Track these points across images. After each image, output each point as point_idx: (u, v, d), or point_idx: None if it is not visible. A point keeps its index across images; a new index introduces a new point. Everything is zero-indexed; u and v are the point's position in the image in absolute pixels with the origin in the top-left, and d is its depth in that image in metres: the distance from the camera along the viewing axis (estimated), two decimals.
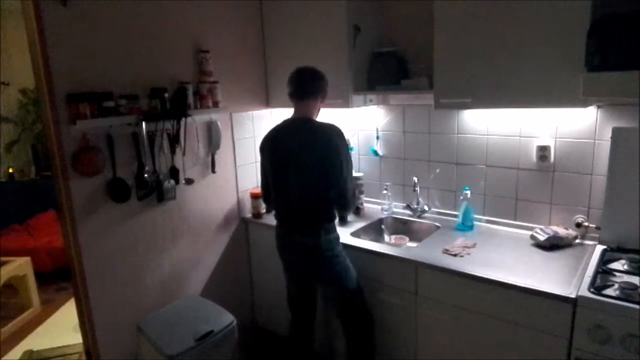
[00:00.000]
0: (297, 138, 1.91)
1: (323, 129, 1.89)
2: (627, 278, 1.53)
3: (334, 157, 1.83)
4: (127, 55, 2.00)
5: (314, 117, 1.96)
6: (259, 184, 2.41)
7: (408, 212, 2.45)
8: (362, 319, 2.03)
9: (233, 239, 2.64)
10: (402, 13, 2.32)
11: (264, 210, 2.59)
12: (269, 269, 2.45)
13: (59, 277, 3.77)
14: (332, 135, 1.85)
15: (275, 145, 1.97)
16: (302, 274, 2.08)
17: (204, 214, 2.44)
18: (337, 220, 1.99)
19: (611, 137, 1.78)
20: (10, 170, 4.60)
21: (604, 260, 1.71)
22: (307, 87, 1.93)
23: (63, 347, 2.85)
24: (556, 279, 1.61)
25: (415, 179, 2.35)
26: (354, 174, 2.60)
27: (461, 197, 2.21)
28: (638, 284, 1.47)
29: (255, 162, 2.71)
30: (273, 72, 2.63)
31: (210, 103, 2.32)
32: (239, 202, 2.65)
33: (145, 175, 2.08)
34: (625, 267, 1.65)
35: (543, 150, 1.99)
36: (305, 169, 1.87)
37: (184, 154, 2.24)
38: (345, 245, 2.11)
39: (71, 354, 2.76)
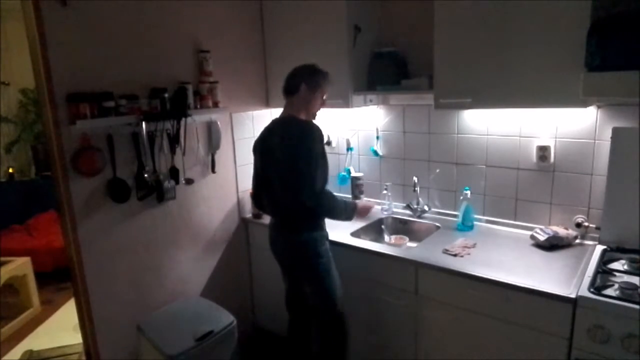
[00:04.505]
0: (277, 137, 1.93)
1: (297, 127, 1.87)
2: (627, 278, 1.53)
3: (305, 156, 1.80)
4: (127, 55, 2.00)
5: (299, 115, 1.93)
6: None
7: (408, 212, 2.45)
8: (334, 328, 2.00)
9: (233, 239, 2.64)
10: (402, 13, 2.33)
11: None
12: (269, 269, 2.45)
13: (59, 277, 3.77)
14: (305, 134, 1.84)
15: (261, 145, 2.01)
16: (289, 271, 2.10)
17: (204, 214, 2.44)
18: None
19: (611, 137, 1.78)
20: (10, 170, 4.60)
21: (604, 260, 1.71)
22: (288, 84, 1.94)
23: (63, 347, 2.84)
24: (556, 279, 1.61)
25: (415, 179, 2.35)
26: (355, 174, 2.63)
27: (461, 197, 2.21)
28: (638, 284, 1.47)
29: None
30: (273, 72, 2.63)
31: (210, 103, 2.32)
32: (239, 202, 2.65)
33: (145, 175, 2.09)
34: (625, 267, 1.65)
35: (543, 150, 1.99)
36: (283, 168, 1.88)
37: (184, 154, 2.24)
38: (345, 246, 2.11)
39: (71, 354, 2.75)
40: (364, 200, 2.38)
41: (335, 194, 2.75)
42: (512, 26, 1.71)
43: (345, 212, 1.99)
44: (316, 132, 1.86)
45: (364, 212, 2.14)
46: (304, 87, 1.90)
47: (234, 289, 2.67)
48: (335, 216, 1.97)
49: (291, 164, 1.82)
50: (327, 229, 2.03)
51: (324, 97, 1.98)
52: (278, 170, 1.90)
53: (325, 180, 1.90)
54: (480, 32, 1.79)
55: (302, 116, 1.93)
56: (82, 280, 1.94)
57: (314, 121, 1.93)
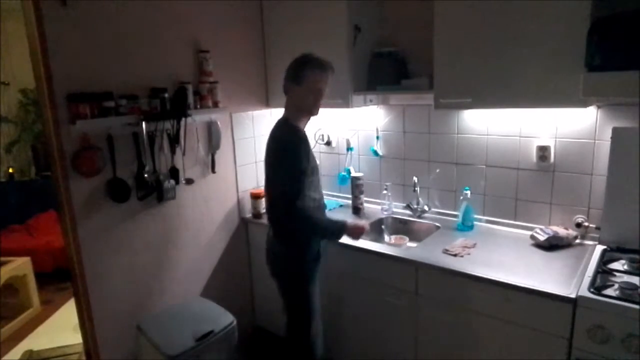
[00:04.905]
0: (268, 144, 1.90)
1: (279, 138, 1.81)
2: (627, 278, 1.53)
3: (279, 170, 1.76)
4: (127, 55, 2.00)
5: (292, 115, 1.84)
6: (261, 185, 2.38)
7: (408, 212, 2.45)
8: (299, 352, 1.95)
9: (233, 239, 2.64)
10: (402, 13, 2.32)
11: (264, 210, 2.59)
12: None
13: (59, 277, 3.77)
14: (282, 146, 1.78)
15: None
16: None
17: (203, 214, 2.44)
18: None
19: (611, 137, 1.78)
20: (10, 170, 4.60)
21: (604, 260, 1.71)
22: (282, 83, 1.87)
23: (63, 347, 2.85)
24: (556, 279, 1.61)
25: (415, 179, 2.35)
26: (355, 174, 2.62)
27: (461, 197, 2.21)
28: (638, 284, 1.47)
29: (255, 162, 2.71)
30: (273, 72, 2.63)
31: (210, 103, 2.32)
32: (239, 202, 2.65)
33: (145, 175, 2.08)
34: (625, 267, 1.65)
35: (543, 150, 1.99)
36: (268, 177, 1.88)
37: (184, 154, 2.24)
38: (345, 246, 2.10)
39: (71, 354, 2.76)
40: (356, 221, 2.09)
41: (337, 193, 2.79)
42: (512, 26, 1.71)
43: (329, 231, 1.89)
44: (293, 145, 1.74)
45: (356, 232, 1.95)
46: (289, 84, 1.81)
47: (234, 289, 2.67)
48: (317, 235, 1.89)
49: (270, 175, 1.80)
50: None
51: (319, 88, 1.79)
52: (266, 177, 1.91)
53: (299, 194, 1.74)
54: (480, 32, 1.79)
55: (296, 116, 1.84)
56: (82, 280, 1.94)
57: (299, 128, 1.82)
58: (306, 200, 1.78)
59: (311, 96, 1.79)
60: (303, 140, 1.80)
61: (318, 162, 2.13)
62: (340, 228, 1.90)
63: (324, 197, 2.02)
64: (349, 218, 2.47)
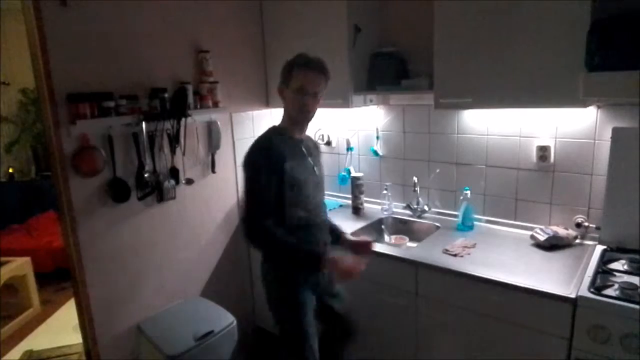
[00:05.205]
0: None
1: (250, 147, 1.63)
2: (627, 278, 1.53)
3: (245, 183, 1.58)
4: (127, 55, 2.00)
5: (283, 120, 1.68)
6: None
7: (408, 212, 2.45)
8: None
9: (233, 239, 2.64)
10: (402, 13, 2.33)
11: None
12: None
13: (59, 277, 3.77)
14: (247, 151, 1.61)
15: None
16: None
17: (204, 214, 2.44)
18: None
19: (611, 137, 1.78)
20: (10, 170, 4.61)
21: (604, 260, 1.71)
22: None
23: (63, 347, 2.85)
24: (556, 279, 1.61)
25: (415, 179, 2.35)
26: (355, 174, 2.62)
27: (461, 197, 2.21)
28: (638, 284, 1.47)
29: None
30: (273, 72, 2.63)
31: (210, 103, 2.32)
32: (239, 202, 2.65)
33: (145, 175, 2.08)
34: (625, 267, 1.65)
35: (543, 150, 1.99)
36: None
37: (184, 154, 2.24)
38: None
39: (71, 354, 2.76)
40: (348, 259, 1.62)
41: (337, 193, 2.79)
42: (512, 26, 1.71)
43: (297, 259, 1.57)
44: (255, 156, 1.57)
45: (341, 271, 1.56)
46: (281, 86, 1.64)
47: (234, 289, 2.67)
48: (281, 261, 1.63)
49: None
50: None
51: (308, 90, 1.58)
52: None
53: (259, 211, 1.54)
54: (480, 32, 1.79)
55: (289, 121, 1.66)
56: (82, 280, 1.94)
57: (277, 136, 1.63)
58: (287, 218, 1.58)
59: (299, 98, 1.58)
60: (271, 149, 1.57)
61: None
62: (318, 260, 1.54)
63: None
64: (349, 218, 2.48)
